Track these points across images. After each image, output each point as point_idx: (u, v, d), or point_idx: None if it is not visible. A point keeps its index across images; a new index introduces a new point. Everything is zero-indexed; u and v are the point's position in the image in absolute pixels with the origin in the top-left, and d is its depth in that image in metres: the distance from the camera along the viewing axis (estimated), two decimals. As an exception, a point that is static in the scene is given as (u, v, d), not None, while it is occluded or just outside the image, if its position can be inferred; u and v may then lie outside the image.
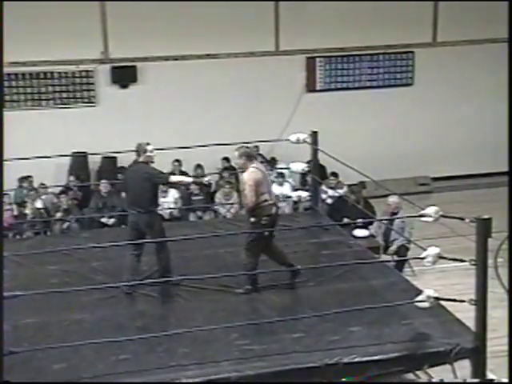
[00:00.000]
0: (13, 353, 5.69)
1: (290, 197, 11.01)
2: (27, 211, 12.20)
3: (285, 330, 6.32)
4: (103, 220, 11.92)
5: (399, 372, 6.17)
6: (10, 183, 12.48)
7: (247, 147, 7.49)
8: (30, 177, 12.78)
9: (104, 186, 12.25)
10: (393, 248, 10.14)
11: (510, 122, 8.48)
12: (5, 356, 5.60)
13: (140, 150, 7.56)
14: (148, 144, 7.59)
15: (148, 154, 7.54)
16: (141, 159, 7.56)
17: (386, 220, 10.03)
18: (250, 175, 7.18)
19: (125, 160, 13.36)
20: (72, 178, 12.98)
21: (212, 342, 6.18)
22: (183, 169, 13.02)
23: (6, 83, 13.29)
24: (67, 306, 6.91)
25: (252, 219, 7.23)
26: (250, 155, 7.37)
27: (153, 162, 7.62)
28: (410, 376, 6.92)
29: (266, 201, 7.21)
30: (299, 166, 9.46)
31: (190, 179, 7.55)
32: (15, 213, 12.06)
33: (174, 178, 7.77)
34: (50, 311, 6.83)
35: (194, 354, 6.03)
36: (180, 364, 5.88)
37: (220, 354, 6.01)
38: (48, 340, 6.25)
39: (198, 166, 13.14)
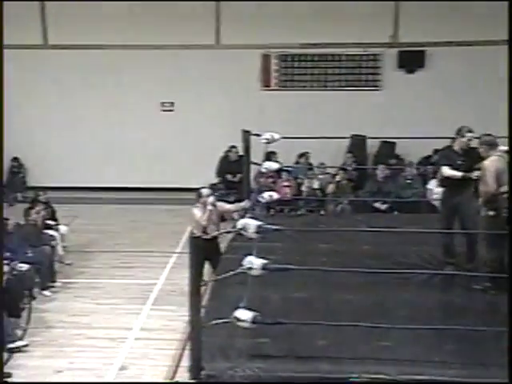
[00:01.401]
0: (280, 323, 5.93)
1: None
2: (303, 189, 12.68)
3: None
4: (376, 205, 11.97)
5: None
6: (291, 159, 13.08)
7: (489, 135, 7.16)
8: (307, 153, 13.24)
9: (381, 171, 12.28)
10: None
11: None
12: (272, 325, 5.87)
13: (458, 133, 7.46)
14: (469, 131, 7.46)
15: (461, 139, 7.43)
16: (455, 143, 7.47)
17: None
18: (491, 162, 6.97)
19: (402, 146, 13.33)
20: (349, 155, 13.23)
21: (481, 343, 5.90)
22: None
23: (296, 63, 13.89)
24: (335, 286, 7.02)
25: (491, 212, 6.89)
26: (492, 143, 7.08)
27: (466, 149, 7.48)
28: None
29: (505, 192, 6.86)
30: None
31: (459, 174, 7.29)
32: (288, 190, 12.57)
33: (447, 172, 7.51)
34: (318, 288, 7.00)
35: (461, 352, 5.80)
36: (444, 361, 5.70)
37: (490, 358, 5.71)
38: (314, 316, 6.42)
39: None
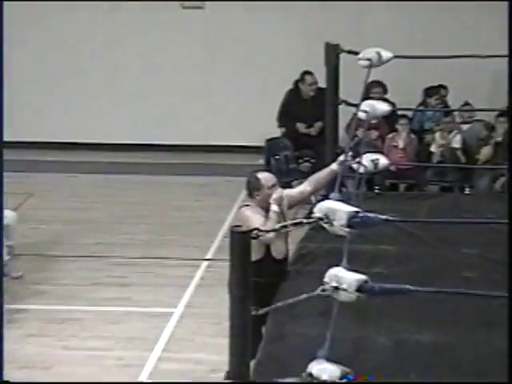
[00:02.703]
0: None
1: None
2: (433, 149, 12.66)
3: None
4: None
5: None
6: (412, 98, 13.07)
7: None
8: (442, 87, 13.21)
9: None
10: None
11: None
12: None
13: None
14: None
15: None
16: None
17: None
18: None
19: None
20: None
21: None
22: None
23: None
24: (486, 320, 7.08)
25: None
26: None
27: None
28: None
29: None
30: None
31: None
32: (406, 151, 12.61)
33: None
34: (457, 324, 7.06)
35: None
36: None
37: None
38: (451, 373, 6.48)
39: None
